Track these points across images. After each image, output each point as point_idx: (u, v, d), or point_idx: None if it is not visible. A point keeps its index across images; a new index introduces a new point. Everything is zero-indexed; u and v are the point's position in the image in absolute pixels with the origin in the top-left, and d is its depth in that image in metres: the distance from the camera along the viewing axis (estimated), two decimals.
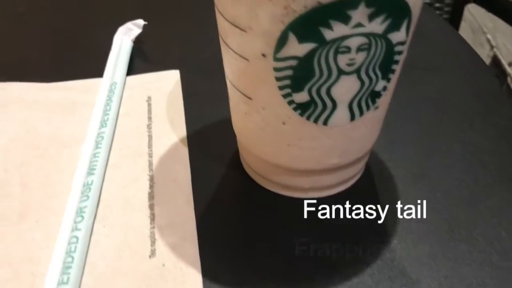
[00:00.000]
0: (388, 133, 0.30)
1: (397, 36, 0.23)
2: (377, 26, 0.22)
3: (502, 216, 0.27)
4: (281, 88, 0.24)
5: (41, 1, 0.49)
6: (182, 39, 0.43)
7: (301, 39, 0.21)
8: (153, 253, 0.26)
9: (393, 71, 0.24)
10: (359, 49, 0.22)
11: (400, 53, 0.24)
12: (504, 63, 1.29)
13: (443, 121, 0.34)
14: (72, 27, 0.45)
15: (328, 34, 0.21)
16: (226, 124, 0.30)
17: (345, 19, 0.21)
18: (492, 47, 1.36)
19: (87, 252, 0.26)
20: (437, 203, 0.28)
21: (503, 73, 1.29)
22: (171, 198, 0.29)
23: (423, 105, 0.36)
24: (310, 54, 0.22)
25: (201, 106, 0.35)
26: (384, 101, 0.26)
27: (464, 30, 1.51)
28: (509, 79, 1.26)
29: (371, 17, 0.21)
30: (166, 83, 0.37)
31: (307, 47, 0.22)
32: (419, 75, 0.38)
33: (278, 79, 0.23)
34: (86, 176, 0.29)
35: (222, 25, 0.24)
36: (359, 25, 0.21)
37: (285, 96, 0.24)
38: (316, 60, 0.22)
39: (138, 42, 0.41)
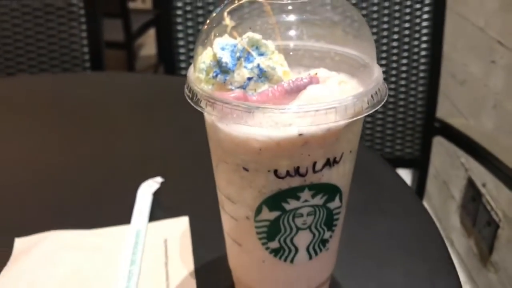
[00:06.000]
0: (347, 267, 0.42)
1: (333, 204, 0.35)
2: (319, 200, 0.34)
3: None
4: (260, 239, 0.35)
5: (78, 161, 0.63)
6: (190, 191, 0.56)
7: (270, 209, 0.34)
8: None
9: (335, 225, 0.37)
10: (308, 214, 0.34)
11: (338, 213, 0.36)
12: (478, 184, 1.42)
13: (388, 254, 0.46)
14: (105, 182, 0.58)
15: (287, 206, 0.34)
16: (224, 261, 0.41)
17: (297, 198, 0.33)
18: (466, 170, 1.51)
19: None
20: None
21: (478, 194, 1.42)
22: None
23: (374, 246, 0.47)
24: (277, 218, 0.34)
25: (206, 246, 0.47)
26: (332, 244, 0.38)
27: (440, 154, 1.67)
28: (484, 199, 1.39)
29: (313, 196, 0.34)
30: (178, 228, 0.49)
31: (275, 214, 0.34)
32: (370, 218, 0.50)
33: (257, 233, 0.35)
34: None
35: (220, 196, 0.37)
36: (306, 201, 0.34)
37: (263, 244, 0.36)
38: (281, 222, 0.34)
39: (156, 194, 0.54)
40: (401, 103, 1.10)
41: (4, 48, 1.04)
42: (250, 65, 0.33)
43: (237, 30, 0.35)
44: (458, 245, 1.53)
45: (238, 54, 0.33)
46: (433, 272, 0.43)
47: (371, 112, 0.31)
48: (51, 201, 0.55)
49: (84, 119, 0.74)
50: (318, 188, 0.33)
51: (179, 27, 1.00)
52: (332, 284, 0.42)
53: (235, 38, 0.34)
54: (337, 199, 0.35)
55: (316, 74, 0.34)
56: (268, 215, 0.34)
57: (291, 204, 0.34)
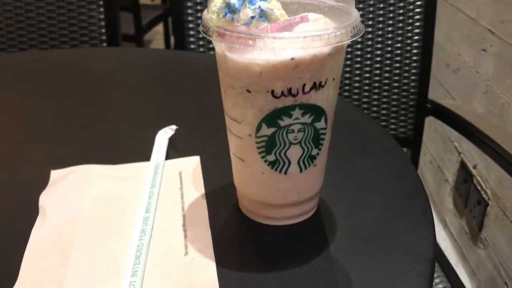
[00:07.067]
0: (333, 192, 0.50)
1: (319, 125, 0.43)
2: (307, 119, 0.42)
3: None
4: (260, 153, 0.43)
5: (105, 115, 0.71)
6: (200, 136, 0.64)
7: (268, 125, 0.42)
8: (186, 253, 0.44)
9: (321, 144, 0.45)
10: (299, 131, 0.42)
11: (324, 134, 0.44)
12: (470, 166, 1.50)
13: (369, 187, 0.54)
14: (128, 130, 0.66)
15: (281, 123, 0.42)
16: (229, 184, 0.49)
17: (289, 116, 0.41)
18: (459, 153, 1.58)
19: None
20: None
21: (470, 175, 1.49)
22: (196, 224, 0.47)
23: (357, 178, 0.55)
24: (274, 133, 0.42)
25: (214, 176, 0.55)
26: (319, 162, 0.46)
27: (435, 140, 1.75)
28: (475, 180, 1.46)
29: (303, 115, 0.42)
30: (191, 164, 0.57)
31: (271, 130, 0.42)
32: (356, 158, 0.58)
33: (258, 148, 0.43)
34: (144, 214, 0.48)
35: (227, 120, 0.45)
36: (297, 118, 0.42)
37: (262, 157, 0.44)
38: (277, 137, 0.42)
39: (171, 139, 0.62)
40: (395, 84, 1.17)
41: (28, 29, 1.13)
42: (253, 7, 0.41)
43: None
44: (451, 226, 1.61)
45: None
46: (407, 195, 0.52)
47: (350, 41, 0.39)
48: (83, 143, 0.63)
49: (107, 84, 0.82)
50: (306, 108, 0.42)
51: (190, 9, 1.08)
52: (319, 202, 0.50)
53: None
54: (322, 120, 0.43)
55: (307, 15, 0.43)
56: (266, 131, 0.42)
57: (285, 121, 0.42)
